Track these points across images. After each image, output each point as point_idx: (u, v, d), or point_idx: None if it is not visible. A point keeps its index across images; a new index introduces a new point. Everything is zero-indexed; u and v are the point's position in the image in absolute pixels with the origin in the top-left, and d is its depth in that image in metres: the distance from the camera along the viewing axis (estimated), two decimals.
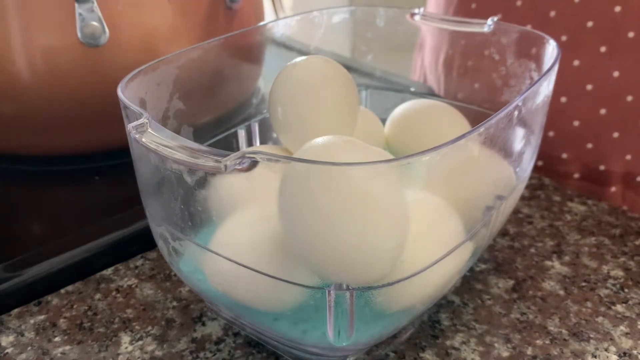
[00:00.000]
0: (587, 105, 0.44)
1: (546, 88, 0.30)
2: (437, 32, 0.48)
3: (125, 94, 0.26)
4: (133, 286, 0.34)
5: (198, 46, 0.33)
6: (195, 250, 0.27)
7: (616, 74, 0.42)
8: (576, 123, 0.44)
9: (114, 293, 0.33)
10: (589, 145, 0.45)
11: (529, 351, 0.29)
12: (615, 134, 0.43)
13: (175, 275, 0.35)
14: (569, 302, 0.32)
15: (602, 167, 0.45)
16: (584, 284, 0.34)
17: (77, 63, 0.39)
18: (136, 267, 0.35)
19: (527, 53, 0.35)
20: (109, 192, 0.42)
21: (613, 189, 0.45)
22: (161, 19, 0.41)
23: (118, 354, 0.29)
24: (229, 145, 0.36)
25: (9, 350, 0.30)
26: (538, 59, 0.34)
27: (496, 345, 0.29)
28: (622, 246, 0.36)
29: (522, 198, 0.41)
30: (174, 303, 0.33)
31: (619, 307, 0.32)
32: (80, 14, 0.38)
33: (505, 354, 0.29)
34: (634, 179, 0.44)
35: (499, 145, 0.27)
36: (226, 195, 0.25)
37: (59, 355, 0.29)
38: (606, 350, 0.29)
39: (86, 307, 0.32)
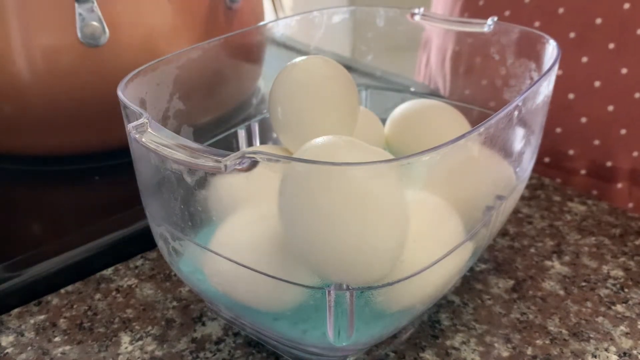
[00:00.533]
0: (595, 101, 0.44)
1: (546, 88, 0.30)
2: (443, 32, 0.48)
3: (125, 94, 0.26)
4: (133, 286, 0.34)
5: (198, 46, 0.33)
6: (195, 250, 0.27)
7: (624, 70, 0.42)
8: (584, 120, 0.44)
9: (114, 293, 0.33)
10: (596, 142, 0.44)
11: (529, 351, 0.29)
12: (623, 131, 0.43)
13: (175, 275, 0.35)
14: (569, 302, 0.32)
15: (609, 164, 0.45)
16: (584, 284, 0.34)
17: (77, 63, 0.39)
18: (136, 267, 0.35)
19: (527, 53, 0.35)
20: (109, 192, 0.42)
21: (619, 185, 0.45)
22: (161, 19, 0.41)
23: (118, 354, 0.29)
24: (229, 145, 0.36)
25: (9, 350, 0.30)
26: (538, 59, 0.34)
27: (496, 345, 0.29)
28: (622, 246, 0.36)
29: (522, 198, 0.41)
30: (174, 303, 0.33)
31: (619, 307, 0.32)
32: (80, 14, 0.38)
33: (505, 354, 0.29)
34: None
35: (499, 145, 0.27)
36: (226, 195, 0.25)
37: (59, 355, 0.29)
38: (606, 350, 0.29)
39: (86, 307, 0.32)
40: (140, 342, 0.30)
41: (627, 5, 0.41)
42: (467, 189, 0.27)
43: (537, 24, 0.44)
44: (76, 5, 0.38)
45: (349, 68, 0.32)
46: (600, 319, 0.31)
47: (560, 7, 0.43)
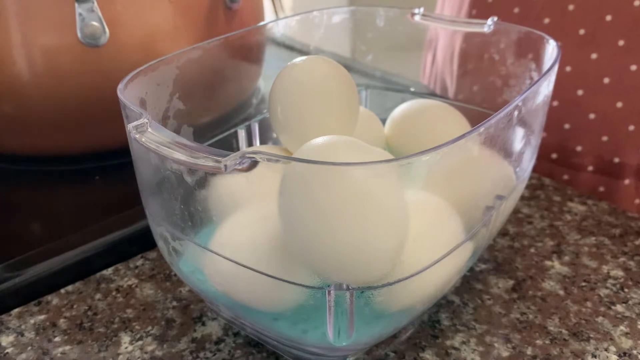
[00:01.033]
0: (604, 98, 0.44)
1: (546, 88, 0.30)
2: (449, 32, 0.48)
3: (125, 94, 0.26)
4: (133, 286, 0.34)
5: (198, 46, 0.33)
6: (195, 250, 0.27)
7: (634, 67, 0.42)
8: (592, 116, 0.44)
9: (114, 293, 0.33)
10: (604, 138, 0.44)
11: (529, 351, 0.29)
12: (631, 127, 0.43)
13: (175, 275, 0.35)
14: (569, 302, 0.32)
15: (616, 160, 0.45)
16: (584, 284, 0.34)
17: (77, 63, 0.39)
18: (136, 267, 0.35)
19: (527, 53, 0.35)
20: (109, 192, 0.42)
21: (627, 181, 0.45)
22: (161, 19, 0.41)
23: (118, 354, 0.29)
24: (229, 145, 0.36)
25: (9, 350, 0.30)
26: (538, 59, 0.34)
27: (496, 345, 0.29)
28: (622, 246, 0.36)
29: (522, 198, 0.41)
30: (174, 303, 0.33)
31: (619, 307, 0.32)
32: (80, 14, 0.38)
33: (505, 354, 0.29)
34: None
35: (499, 145, 0.27)
36: (226, 195, 0.25)
37: (59, 355, 0.29)
38: (606, 350, 0.29)
39: (86, 307, 0.32)
40: (140, 342, 0.30)
41: (637, 3, 0.41)
42: (467, 189, 0.27)
43: (546, 20, 0.44)
44: (76, 5, 0.38)
45: (349, 68, 0.32)
46: (600, 319, 0.31)
47: (570, 4, 0.43)
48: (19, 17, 0.38)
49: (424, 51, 0.56)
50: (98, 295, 0.33)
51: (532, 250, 0.36)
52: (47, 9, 0.38)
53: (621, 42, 0.42)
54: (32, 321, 0.31)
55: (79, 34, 0.38)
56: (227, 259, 0.25)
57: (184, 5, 0.42)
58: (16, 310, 0.32)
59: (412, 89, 0.47)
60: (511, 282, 0.34)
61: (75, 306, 0.33)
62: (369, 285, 0.23)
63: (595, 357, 0.29)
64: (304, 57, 0.30)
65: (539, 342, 0.30)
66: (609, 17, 0.42)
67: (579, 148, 0.46)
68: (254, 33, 0.40)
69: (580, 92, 0.44)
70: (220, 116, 0.38)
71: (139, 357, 0.29)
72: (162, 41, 0.42)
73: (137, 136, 0.22)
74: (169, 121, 0.31)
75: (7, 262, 0.34)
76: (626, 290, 0.33)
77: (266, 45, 0.46)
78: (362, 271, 0.23)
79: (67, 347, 0.30)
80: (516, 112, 0.26)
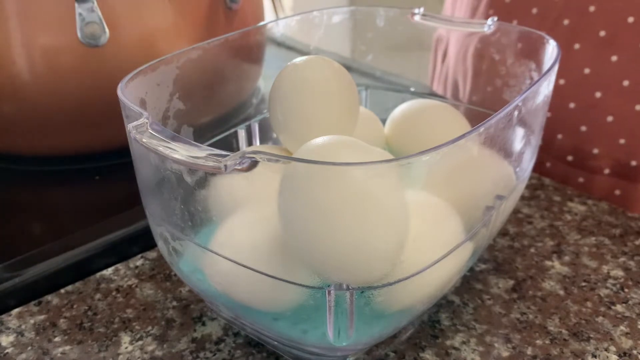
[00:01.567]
0: (623, 100, 0.43)
1: (546, 88, 0.30)
2: (462, 35, 0.48)
3: (125, 94, 0.26)
4: (133, 286, 0.34)
5: (198, 46, 0.33)
6: (195, 250, 0.27)
7: None
8: (610, 118, 0.44)
9: (114, 293, 0.33)
10: (622, 141, 0.44)
11: (529, 351, 0.29)
12: None
13: (175, 275, 0.35)
14: (569, 302, 0.32)
15: (633, 163, 0.44)
16: (584, 284, 0.34)
17: (77, 63, 0.39)
18: (136, 267, 0.35)
19: (528, 53, 0.35)
20: (109, 192, 0.42)
21: None
22: (161, 19, 0.41)
23: (118, 354, 0.29)
24: (229, 145, 0.36)
25: (9, 350, 0.30)
26: (538, 59, 0.34)
27: (496, 345, 0.29)
28: (622, 246, 0.36)
29: (522, 198, 0.41)
30: (174, 303, 0.33)
31: (619, 307, 0.32)
32: (80, 14, 0.38)
33: (505, 354, 0.29)
34: None
35: (499, 145, 0.27)
36: (226, 195, 0.25)
37: (59, 355, 0.29)
38: (606, 350, 0.29)
39: (86, 307, 0.32)
40: (140, 342, 0.30)
41: None
42: (467, 189, 0.27)
43: (566, 22, 0.44)
44: (76, 5, 0.38)
45: (349, 68, 0.32)
46: (600, 319, 0.31)
47: (591, 5, 0.43)
48: (19, 17, 0.38)
49: (431, 53, 0.56)
50: (98, 295, 0.33)
51: (532, 250, 0.36)
52: (47, 9, 0.38)
53: None
54: (32, 321, 0.31)
55: (79, 34, 0.38)
56: (227, 259, 0.25)
57: (183, 5, 0.42)
58: (16, 310, 0.32)
59: (412, 89, 0.46)
60: (511, 282, 0.34)
61: (75, 306, 0.33)
62: (369, 285, 0.23)
63: (595, 357, 0.29)
64: (304, 57, 0.30)
65: (539, 342, 0.30)
66: (631, 19, 0.41)
67: (595, 150, 0.45)
68: (254, 33, 0.40)
69: (598, 95, 0.44)
70: (220, 116, 0.38)
71: (139, 357, 0.29)
72: (162, 41, 0.42)
73: (137, 136, 0.22)
74: (169, 121, 0.31)
75: (7, 262, 0.34)
76: (626, 290, 0.33)
77: (266, 45, 0.46)
78: (362, 271, 0.23)
79: (67, 347, 0.30)
80: (516, 112, 0.26)
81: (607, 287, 0.33)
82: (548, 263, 0.35)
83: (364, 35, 0.44)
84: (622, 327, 0.31)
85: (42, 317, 0.32)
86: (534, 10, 0.46)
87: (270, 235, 0.24)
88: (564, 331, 0.30)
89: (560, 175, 0.47)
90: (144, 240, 0.36)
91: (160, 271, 0.35)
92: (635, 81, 0.42)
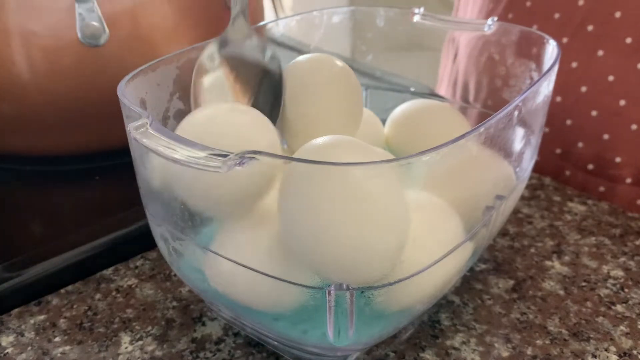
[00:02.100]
0: None
1: (546, 88, 0.30)
2: (474, 37, 0.47)
3: (125, 94, 0.26)
4: (133, 286, 0.34)
5: (198, 46, 0.33)
6: (195, 250, 0.27)
7: None
8: (634, 127, 0.43)
9: (114, 293, 0.33)
10: None
11: (529, 351, 0.29)
12: None
13: (175, 275, 0.35)
14: (569, 302, 0.32)
15: None
16: (584, 284, 0.34)
17: (77, 63, 0.39)
18: (136, 267, 0.35)
19: (528, 53, 0.35)
20: (109, 192, 0.42)
21: None
22: (161, 18, 0.41)
23: (118, 354, 0.29)
24: None
25: (9, 350, 0.30)
26: (538, 59, 0.34)
27: (496, 345, 0.29)
28: (622, 246, 0.36)
29: (522, 198, 0.41)
30: (174, 303, 0.33)
31: (619, 307, 0.32)
32: (80, 14, 0.38)
33: (505, 354, 0.29)
34: None
35: (499, 145, 0.27)
36: (226, 195, 0.25)
37: (59, 355, 0.29)
38: (606, 350, 0.29)
39: (86, 307, 0.32)
40: (140, 342, 0.30)
41: None
42: (467, 189, 0.27)
43: (590, 27, 0.43)
44: (76, 5, 0.38)
45: None
46: (600, 319, 0.31)
47: (618, 11, 0.41)
48: (19, 17, 0.38)
49: (442, 56, 0.55)
50: (98, 295, 0.33)
51: (532, 250, 0.36)
52: (47, 9, 0.38)
53: None
54: (32, 321, 0.31)
55: (79, 34, 0.38)
56: (227, 259, 0.25)
57: (184, 5, 0.42)
58: (16, 310, 0.32)
59: (412, 89, 0.46)
60: (511, 282, 0.34)
61: (75, 306, 0.33)
62: (369, 285, 0.23)
63: (595, 357, 0.29)
64: (307, 55, 0.30)
65: (539, 342, 0.30)
66: None
67: (618, 159, 0.44)
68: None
69: (622, 103, 0.43)
70: None
71: (139, 357, 0.29)
72: (162, 41, 0.42)
73: (137, 136, 0.22)
74: (169, 121, 0.31)
75: (7, 262, 0.34)
76: (626, 290, 0.33)
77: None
78: (362, 271, 0.23)
79: (67, 347, 0.30)
80: (516, 112, 0.26)
81: (607, 287, 0.33)
82: (548, 263, 0.35)
83: (364, 35, 0.44)
84: (622, 327, 0.31)
85: (42, 317, 0.32)
86: (556, 15, 0.44)
87: (271, 235, 0.24)
88: (564, 331, 0.30)
89: (580, 183, 0.46)
90: (144, 240, 0.36)
91: (160, 271, 0.35)
92: None
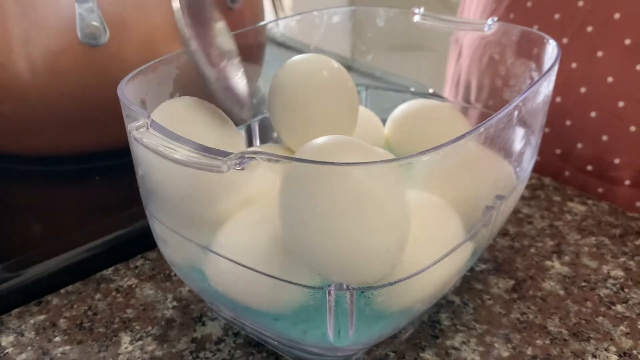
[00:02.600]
0: None
1: (546, 88, 0.30)
2: (475, 37, 0.47)
3: (125, 94, 0.26)
4: (133, 286, 0.34)
5: None
6: (195, 250, 0.27)
7: None
8: (633, 128, 0.43)
9: (114, 293, 0.33)
10: None
11: (529, 351, 0.29)
12: None
13: (175, 275, 0.35)
14: (569, 302, 0.32)
15: None
16: (584, 284, 0.34)
17: (77, 63, 0.39)
18: (136, 267, 0.35)
19: (528, 53, 0.35)
20: (109, 192, 0.42)
21: None
22: (161, 19, 0.41)
23: (118, 354, 0.29)
24: None
25: (9, 350, 0.30)
26: (538, 59, 0.34)
27: (496, 345, 0.29)
28: (622, 246, 0.36)
29: (522, 198, 0.41)
30: (174, 303, 0.33)
31: (619, 307, 0.32)
32: (80, 14, 0.38)
33: (505, 354, 0.29)
34: None
35: (499, 145, 0.27)
36: (227, 195, 0.25)
37: (59, 355, 0.29)
38: (606, 350, 0.29)
39: (86, 307, 0.32)
40: (140, 342, 0.30)
41: None
42: (467, 189, 0.27)
43: (589, 28, 0.43)
44: (76, 5, 0.38)
45: (349, 68, 0.32)
46: (600, 319, 0.31)
47: (617, 12, 0.41)
48: (19, 17, 0.38)
49: (449, 57, 0.55)
50: (98, 295, 0.33)
51: (532, 250, 0.36)
52: (47, 9, 0.38)
53: None
54: (32, 321, 0.31)
55: (79, 34, 0.38)
56: (227, 259, 0.25)
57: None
58: (16, 310, 0.32)
59: (412, 89, 0.46)
60: (511, 282, 0.34)
61: (75, 306, 0.33)
62: (369, 285, 0.23)
63: (595, 357, 0.29)
64: (303, 55, 0.30)
65: (539, 342, 0.30)
66: None
67: (616, 161, 0.44)
68: (254, 33, 0.40)
69: (621, 104, 0.43)
70: None
71: (139, 357, 0.29)
72: (162, 41, 0.42)
73: (137, 136, 0.22)
74: None
75: (7, 262, 0.34)
76: (626, 290, 0.33)
77: (266, 45, 0.46)
78: (362, 271, 0.23)
79: (67, 347, 0.30)
80: (516, 112, 0.26)
81: (607, 287, 0.33)
82: (548, 263, 0.35)
83: (364, 35, 0.44)
84: (622, 327, 0.31)
85: (42, 317, 0.32)
86: (557, 16, 0.45)
87: (271, 235, 0.24)
88: (564, 331, 0.30)
89: (579, 184, 0.46)
90: (144, 240, 0.36)
91: (160, 271, 0.35)
92: None
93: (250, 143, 0.37)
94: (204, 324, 0.31)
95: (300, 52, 0.34)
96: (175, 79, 0.31)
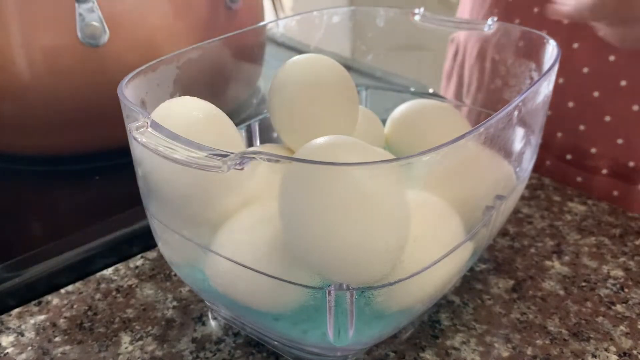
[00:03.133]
0: (620, 100, 0.43)
1: (546, 88, 0.30)
2: (479, 39, 0.47)
3: (125, 94, 0.26)
4: (133, 286, 0.34)
5: (198, 46, 0.33)
6: (195, 250, 0.27)
7: None
8: (607, 118, 0.44)
9: (114, 293, 0.33)
10: (619, 141, 0.44)
11: (529, 351, 0.29)
12: None
13: (175, 275, 0.35)
14: (569, 302, 0.32)
15: (631, 164, 0.44)
16: (584, 284, 0.34)
17: (77, 63, 0.39)
18: (136, 267, 0.35)
19: (528, 53, 0.35)
20: (109, 192, 0.42)
21: None
22: (161, 19, 0.41)
23: (118, 354, 0.29)
24: None
25: (9, 350, 0.30)
26: (538, 59, 0.34)
27: (496, 345, 0.29)
28: (622, 246, 0.36)
29: (522, 198, 0.41)
30: (174, 303, 0.33)
31: (619, 307, 0.32)
32: (80, 14, 0.38)
33: (505, 354, 0.29)
34: None
35: (499, 145, 0.27)
36: (226, 195, 0.25)
37: (59, 355, 0.29)
38: (606, 350, 0.29)
39: (86, 307, 0.32)
40: (140, 342, 0.30)
41: None
42: (467, 189, 0.27)
43: (566, 21, 0.43)
44: (76, 5, 0.38)
45: (349, 68, 0.32)
46: (600, 319, 0.31)
47: None
48: (19, 17, 0.38)
49: (447, 57, 0.55)
50: (98, 295, 0.33)
51: (532, 250, 0.36)
52: (47, 9, 0.38)
53: None
54: (32, 321, 0.31)
55: (79, 34, 0.38)
56: (227, 259, 0.25)
57: (184, 6, 0.42)
58: (16, 310, 0.32)
59: (412, 89, 0.46)
60: (511, 282, 0.34)
61: (75, 306, 0.33)
62: (369, 285, 0.23)
63: (595, 357, 0.29)
64: (303, 56, 0.30)
65: (539, 342, 0.30)
66: None
67: (593, 150, 0.45)
68: (254, 33, 0.40)
69: (596, 94, 0.44)
70: None
71: (139, 357, 0.29)
72: (162, 41, 0.42)
73: (137, 136, 0.22)
74: None
75: (7, 262, 0.34)
76: (626, 290, 0.33)
77: (266, 45, 0.46)
78: (362, 271, 0.23)
79: (67, 347, 0.30)
80: (516, 112, 0.26)
81: (607, 287, 0.33)
82: (548, 263, 0.35)
83: (364, 35, 0.44)
84: (622, 327, 0.31)
85: (42, 317, 0.32)
86: (535, 10, 0.45)
87: (271, 235, 0.24)
88: (564, 331, 0.30)
89: (559, 174, 0.46)
90: (144, 240, 0.36)
91: (160, 271, 0.35)
92: (633, 81, 0.42)
93: (250, 143, 0.37)
94: (204, 324, 0.31)
95: (300, 52, 0.34)
96: (175, 79, 0.31)
